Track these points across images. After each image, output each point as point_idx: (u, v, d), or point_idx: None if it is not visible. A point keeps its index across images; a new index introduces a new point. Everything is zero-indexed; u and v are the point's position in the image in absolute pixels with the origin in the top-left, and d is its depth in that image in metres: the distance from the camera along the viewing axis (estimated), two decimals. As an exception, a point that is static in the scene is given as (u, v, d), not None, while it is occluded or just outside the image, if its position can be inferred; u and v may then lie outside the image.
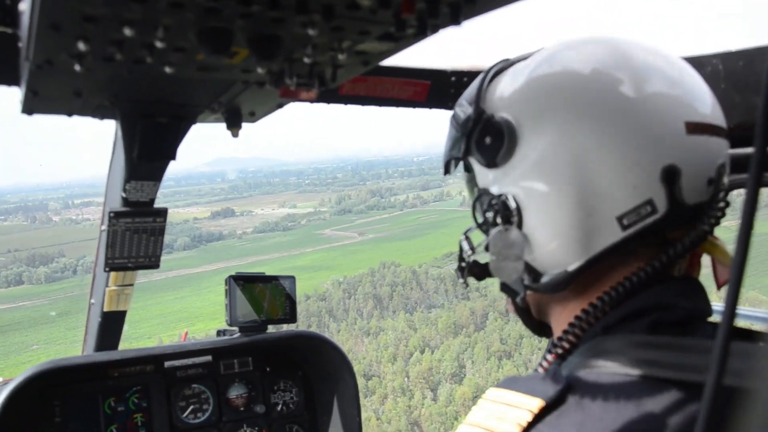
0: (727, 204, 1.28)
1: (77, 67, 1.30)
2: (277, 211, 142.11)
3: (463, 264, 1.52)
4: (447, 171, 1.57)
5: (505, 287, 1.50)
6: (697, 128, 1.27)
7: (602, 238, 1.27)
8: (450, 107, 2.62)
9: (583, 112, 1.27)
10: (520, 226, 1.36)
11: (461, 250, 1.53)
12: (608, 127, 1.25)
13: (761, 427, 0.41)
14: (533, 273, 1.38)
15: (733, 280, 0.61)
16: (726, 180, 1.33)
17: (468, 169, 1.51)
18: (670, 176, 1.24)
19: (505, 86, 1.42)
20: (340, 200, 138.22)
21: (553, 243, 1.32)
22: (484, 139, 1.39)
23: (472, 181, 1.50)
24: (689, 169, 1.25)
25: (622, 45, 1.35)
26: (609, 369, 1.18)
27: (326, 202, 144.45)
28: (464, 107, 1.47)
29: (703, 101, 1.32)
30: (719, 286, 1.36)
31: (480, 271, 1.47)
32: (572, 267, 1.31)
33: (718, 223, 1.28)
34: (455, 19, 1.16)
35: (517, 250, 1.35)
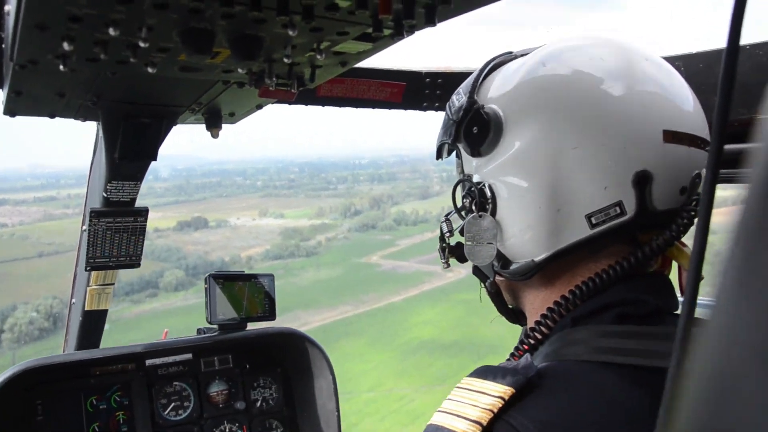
0: (697, 213, 1.31)
1: (62, 67, 1.33)
2: (262, 221, 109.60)
3: (444, 245, 1.60)
4: (439, 156, 1.63)
5: (476, 271, 1.59)
6: (675, 137, 1.31)
7: (570, 233, 1.33)
8: (424, 108, 2.68)
9: (563, 113, 1.33)
10: (493, 214, 1.43)
11: (441, 231, 1.62)
12: (585, 130, 1.30)
13: (690, 406, 0.46)
14: (503, 260, 1.46)
15: (693, 267, 0.64)
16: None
17: (458, 155, 1.58)
18: (642, 181, 1.29)
19: (499, 81, 1.48)
20: (346, 210, 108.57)
21: (522, 234, 1.39)
22: (472, 128, 1.45)
23: (459, 166, 1.58)
24: (662, 176, 1.30)
25: (613, 49, 1.39)
26: (577, 357, 1.23)
27: (326, 211, 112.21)
28: (460, 96, 1.52)
29: (686, 112, 1.36)
30: (683, 292, 1.39)
31: (461, 254, 1.53)
32: (539, 258, 1.37)
33: (686, 231, 1.32)
34: (431, 20, 1.22)
35: (488, 237, 1.43)
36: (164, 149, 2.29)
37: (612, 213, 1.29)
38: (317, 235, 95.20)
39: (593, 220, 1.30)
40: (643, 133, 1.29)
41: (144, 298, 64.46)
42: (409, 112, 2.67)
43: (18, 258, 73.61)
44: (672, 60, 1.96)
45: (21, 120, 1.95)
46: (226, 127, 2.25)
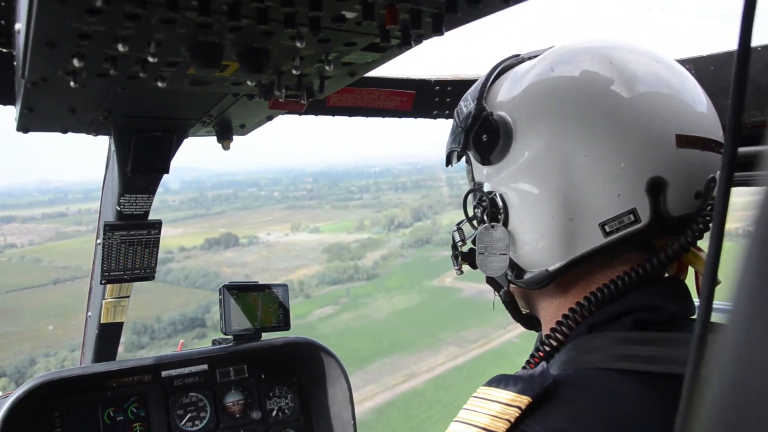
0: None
1: (72, 84, 1.34)
2: (297, 237, 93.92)
3: (456, 252, 1.60)
4: (448, 163, 1.61)
5: (490, 280, 1.58)
6: (688, 141, 1.28)
7: (584, 242, 1.31)
8: (434, 116, 2.68)
9: (574, 119, 1.31)
10: (506, 224, 1.41)
11: (453, 240, 1.61)
12: (597, 137, 1.28)
13: (709, 414, 0.45)
14: (516, 269, 1.44)
15: (709, 271, 0.64)
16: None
17: (468, 161, 1.57)
18: (656, 188, 1.27)
19: (507, 86, 1.46)
20: (389, 223, 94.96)
21: (535, 243, 1.37)
22: (482, 136, 1.44)
23: (470, 174, 1.56)
24: (676, 181, 1.28)
25: (624, 52, 1.37)
26: (594, 365, 1.22)
27: (366, 224, 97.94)
28: (468, 102, 1.51)
29: (699, 114, 1.33)
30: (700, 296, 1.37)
31: (474, 260, 1.51)
32: (553, 267, 1.36)
33: (701, 236, 1.30)
34: (438, 29, 1.21)
35: (501, 247, 1.41)
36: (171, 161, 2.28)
37: (626, 221, 1.28)
38: (367, 253, 79.99)
39: (607, 228, 1.29)
40: (655, 138, 1.27)
41: (191, 340, 46.51)
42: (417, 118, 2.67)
43: (31, 286, 61.29)
44: (682, 63, 1.94)
45: (26, 135, 1.97)
46: (234, 139, 2.26)
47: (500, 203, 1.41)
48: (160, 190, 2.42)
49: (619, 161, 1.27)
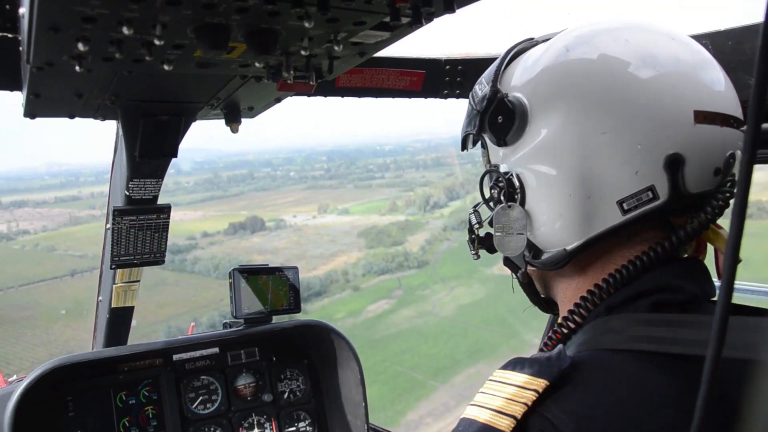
0: (732, 195, 1.27)
1: (78, 68, 1.32)
2: (326, 219, 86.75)
3: (473, 236, 1.59)
4: (464, 147, 1.61)
5: (507, 262, 1.58)
6: (706, 117, 1.26)
7: (602, 220, 1.30)
8: (444, 96, 2.65)
9: (590, 98, 1.29)
10: (522, 204, 1.41)
11: (470, 223, 1.60)
12: (612, 114, 1.27)
13: None
14: (534, 249, 1.44)
15: (730, 253, 0.62)
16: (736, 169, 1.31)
17: (483, 145, 1.56)
18: (674, 165, 1.25)
19: (522, 68, 1.45)
20: (424, 204, 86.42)
21: (552, 222, 1.36)
22: (497, 117, 1.43)
23: (485, 156, 1.56)
24: (694, 158, 1.26)
25: (639, 31, 1.35)
26: (612, 346, 1.20)
27: (399, 205, 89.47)
28: (483, 85, 1.50)
29: (717, 90, 1.31)
30: (720, 275, 1.34)
31: (491, 245, 1.51)
32: (571, 246, 1.34)
33: (721, 213, 1.28)
34: (449, 7, 1.19)
35: (518, 227, 1.41)
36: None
37: (644, 198, 1.26)
38: (407, 236, 70.35)
39: (625, 206, 1.27)
40: (672, 114, 1.25)
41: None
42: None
43: (46, 278, 55.15)
44: (699, 38, 1.90)
45: (36, 119, 1.95)
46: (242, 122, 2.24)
47: (517, 183, 1.41)
48: (171, 171, 2.41)
49: (637, 138, 1.25)
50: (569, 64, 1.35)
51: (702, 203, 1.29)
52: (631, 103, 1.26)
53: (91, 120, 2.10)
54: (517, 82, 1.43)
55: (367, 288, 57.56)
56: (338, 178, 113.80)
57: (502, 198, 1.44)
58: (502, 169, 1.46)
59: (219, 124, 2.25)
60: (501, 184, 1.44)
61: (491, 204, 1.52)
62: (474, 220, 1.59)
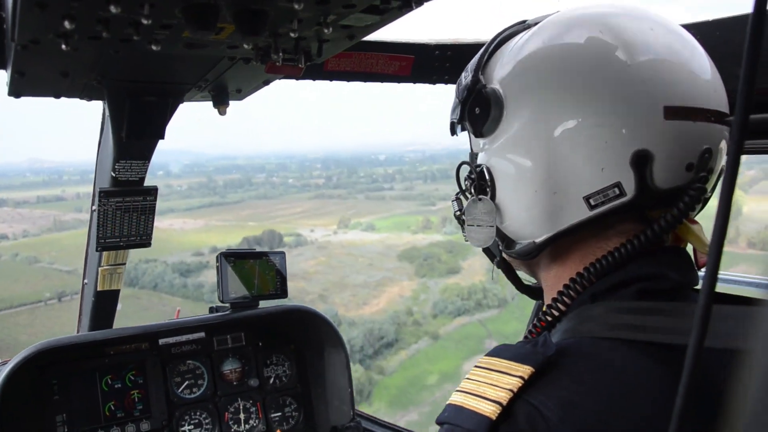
0: (703, 190, 1.26)
1: (64, 47, 1.31)
2: (350, 236, 74.38)
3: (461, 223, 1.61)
4: (453, 132, 1.61)
5: (485, 249, 1.59)
6: (678, 113, 1.24)
7: (569, 215, 1.30)
8: (434, 81, 2.64)
9: (557, 92, 1.28)
10: (493, 197, 1.42)
11: (453, 210, 1.62)
12: (579, 110, 1.25)
13: (760, 389, 0.44)
14: (506, 240, 1.46)
15: (715, 241, 0.62)
16: (714, 164, 1.29)
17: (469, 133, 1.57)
18: (641, 161, 1.23)
19: (502, 59, 1.44)
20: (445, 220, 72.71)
21: (520, 216, 1.38)
22: (475, 108, 1.43)
23: (470, 144, 1.56)
24: (664, 154, 1.24)
25: (619, 20, 1.32)
26: (596, 334, 1.20)
27: (433, 222, 74.54)
28: (467, 74, 1.50)
29: (696, 83, 1.28)
30: (699, 268, 1.34)
31: None
32: (540, 239, 1.36)
33: (692, 207, 1.26)
34: None
35: (487, 220, 1.43)
36: (163, 144, 2.28)
37: (611, 194, 1.25)
38: (459, 261, 57.40)
39: (592, 202, 1.27)
40: (641, 110, 1.23)
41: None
42: (409, 97, 2.64)
43: (26, 303, 42.94)
44: (687, 28, 1.90)
45: (18, 113, 1.86)
46: (223, 123, 2.22)
47: (487, 176, 1.42)
48: (161, 173, 2.39)
49: (603, 134, 1.24)
50: (538, 55, 1.34)
51: (674, 198, 1.27)
52: (599, 98, 1.24)
53: (75, 115, 2.09)
54: (497, 71, 1.43)
55: (447, 335, 46.86)
56: (343, 187, 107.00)
57: (472, 190, 1.46)
58: (479, 160, 1.47)
59: (203, 126, 2.23)
60: (473, 177, 1.46)
61: (467, 195, 1.53)
62: (455, 207, 1.61)
